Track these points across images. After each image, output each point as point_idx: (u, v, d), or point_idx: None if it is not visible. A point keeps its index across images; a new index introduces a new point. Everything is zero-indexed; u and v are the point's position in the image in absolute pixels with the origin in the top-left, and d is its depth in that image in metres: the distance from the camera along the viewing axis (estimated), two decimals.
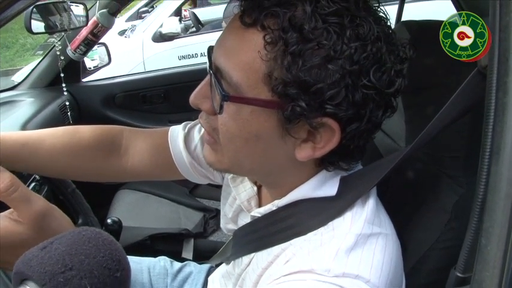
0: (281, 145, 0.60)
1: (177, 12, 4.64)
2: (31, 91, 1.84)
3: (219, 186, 0.89)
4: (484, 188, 0.52)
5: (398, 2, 1.31)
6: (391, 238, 0.63)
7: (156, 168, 0.92)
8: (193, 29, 4.76)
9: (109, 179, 0.97)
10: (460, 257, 0.59)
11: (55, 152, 0.86)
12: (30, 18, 1.52)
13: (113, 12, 1.65)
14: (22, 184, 0.59)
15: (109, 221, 1.50)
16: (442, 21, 0.55)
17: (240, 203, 0.78)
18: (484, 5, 0.55)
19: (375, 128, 0.61)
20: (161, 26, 4.20)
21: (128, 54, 4.03)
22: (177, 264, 1.14)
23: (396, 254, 0.63)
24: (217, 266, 1.05)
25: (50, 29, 1.59)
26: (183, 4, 4.55)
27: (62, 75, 1.67)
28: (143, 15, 5.45)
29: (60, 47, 1.72)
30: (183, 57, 4.14)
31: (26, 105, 1.71)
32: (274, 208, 0.69)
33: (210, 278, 1.01)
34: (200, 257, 1.51)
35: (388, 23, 0.59)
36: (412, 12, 1.18)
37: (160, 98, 2.14)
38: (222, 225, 0.89)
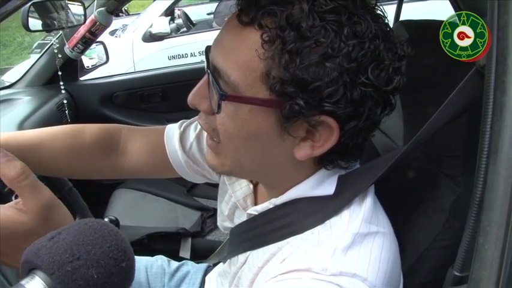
0: (280, 144, 0.60)
1: (170, 12, 4.62)
2: (28, 89, 1.84)
3: (217, 185, 0.89)
4: (481, 187, 0.52)
5: (396, 1, 1.31)
6: (388, 237, 0.63)
7: (153, 167, 0.92)
8: (185, 28, 4.76)
9: (107, 177, 0.97)
10: (457, 256, 0.59)
11: (55, 153, 0.86)
12: (28, 16, 1.52)
13: (111, 11, 1.65)
14: (32, 173, 0.59)
15: (106, 220, 1.50)
16: (440, 21, 0.55)
17: (235, 200, 0.78)
18: (482, 5, 0.55)
19: (374, 126, 0.61)
20: (151, 26, 4.20)
21: (119, 54, 4.02)
22: (175, 264, 1.14)
23: (394, 253, 0.63)
24: (215, 265, 1.05)
25: (48, 27, 1.59)
26: (174, 4, 4.52)
27: (60, 73, 1.67)
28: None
29: (57, 45, 1.72)
30: (173, 57, 4.15)
31: (23, 104, 1.71)
32: (271, 206, 0.69)
33: (207, 278, 1.01)
34: (198, 256, 1.51)
35: (386, 21, 0.59)
36: (411, 12, 1.18)
37: (158, 97, 2.13)
38: (218, 223, 0.89)
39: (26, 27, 1.54)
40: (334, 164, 0.63)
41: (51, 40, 1.77)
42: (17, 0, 0.65)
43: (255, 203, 0.76)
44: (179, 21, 4.79)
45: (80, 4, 1.63)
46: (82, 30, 1.68)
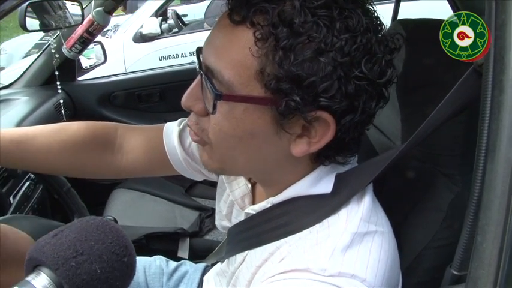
0: (276, 141, 0.60)
1: (163, 12, 4.60)
2: (26, 90, 1.84)
3: (215, 185, 0.89)
4: (479, 186, 0.52)
5: (394, 0, 1.32)
6: (387, 236, 0.63)
7: (151, 165, 0.91)
8: (177, 29, 4.74)
9: (103, 176, 0.97)
10: (455, 255, 0.59)
11: (49, 149, 0.86)
12: (25, 15, 1.52)
13: (108, 11, 1.65)
14: None
15: None
16: (438, 20, 0.55)
17: (233, 199, 0.78)
18: (479, 5, 0.55)
19: (369, 119, 0.61)
20: (142, 26, 4.18)
21: (110, 54, 4.01)
22: (173, 264, 1.14)
23: (393, 252, 0.62)
24: (213, 265, 1.05)
25: (45, 27, 1.59)
26: (165, 4, 4.50)
27: (57, 73, 1.67)
28: None
29: (55, 45, 1.71)
30: (164, 57, 4.14)
31: (20, 104, 1.71)
32: (268, 205, 0.68)
33: (205, 277, 1.01)
34: (196, 256, 1.50)
35: (376, 14, 0.59)
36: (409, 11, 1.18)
37: (156, 97, 2.13)
38: (216, 222, 0.89)
39: (24, 27, 1.54)
40: (331, 160, 0.63)
41: (48, 40, 1.77)
42: (14, 0, 0.65)
43: (253, 202, 0.76)
44: (172, 21, 4.78)
45: (78, 4, 1.63)
46: (80, 30, 1.67)
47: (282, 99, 0.55)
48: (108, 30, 4.63)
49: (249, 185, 0.76)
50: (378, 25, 0.58)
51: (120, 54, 4.10)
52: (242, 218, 0.75)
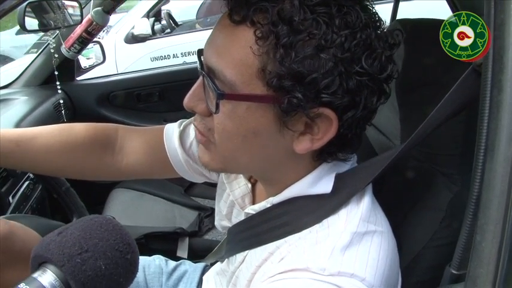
0: (279, 139, 0.60)
1: (157, 13, 4.58)
2: (25, 89, 1.84)
3: (214, 185, 0.89)
4: (478, 186, 0.52)
5: (393, 0, 1.32)
6: (386, 236, 0.63)
7: (151, 167, 0.91)
8: (169, 30, 4.73)
9: (103, 178, 0.97)
10: (454, 254, 0.59)
11: (48, 150, 0.86)
12: (24, 15, 1.52)
13: (108, 10, 1.64)
14: None
15: None
16: (437, 20, 0.56)
17: (233, 199, 0.78)
18: (478, 4, 0.55)
19: (371, 115, 0.61)
20: (133, 27, 4.17)
21: None
22: (172, 263, 1.14)
23: (392, 252, 0.63)
24: (212, 264, 1.05)
25: (44, 27, 1.58)
26: (156, 5, 4.49)
27: (56, 73, 1.67)
28: None
29: (54, 45, 1.71)
30: (156, 58, 4.14)
31: (19, 104, 1.71)
32: (268, 205, 0.69)
33: (204, 277, 1.01)
34: (195, 255, 1.50)
35: (374, 10, 0.59)
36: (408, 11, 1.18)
37: (155, 97, 2.13)
38: (216, 222, 0.89)
39: (23, 27, 1.54)
40: (334, 157, 0.64)
41: (47, 40, 1.77)
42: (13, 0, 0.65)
43: (253, 202, 0.76)
44: (165, 22, 4.78)
45: (77, 4, 1.63)
46: (79, 30, 1.67)
47: (284, 96, 0.56)
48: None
49: (249, 185, 0.77)
50: (377, 21, 0.58)
51: (112, 55, 4.09)
52: (242, 217, 0.75)
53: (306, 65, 0.54)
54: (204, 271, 1.10)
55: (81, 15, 1.64)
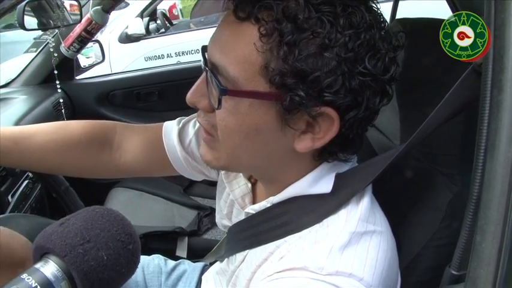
0: (280, 137, 0.60)
1: (153, 12, 4.57)
2: (24, 88, 1.84)
3: (213, 184, 0.89)
4: (478, 186, 0.52)
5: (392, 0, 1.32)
6: (385, 236, 0.63)
7: (150, 164, 0.91)
8: (163, 29, 4.72)
9: (102, 175, 0.97)
10: (454, 255, 0.59)
11: (46, 148, 0.86)
12: (23, 14, 1.51)
13: (107, 10, 1.64)
14: None
15: None
16: (437, 20, 0.55)
17: (233, 199, 0.78)
18: (478, 5, 0.55)
19: (373, 116, 0.61)
20: (127, 27, 4.17)
21: None
22: (171, 263, 1.14)
23: (391, 252, 0.63)
24: (211, 264, 1.05)
25: (43, 26, 1.58)
26: (150, 4, 4.48)
27: (56, 72, 1.66)
28: None
29: (53, 44, 1.71)
30: (149, 58, 4.14)
31: (19, 103, 1.71)
32: (268, 205, 0.69)
33: (203, 276, 1.00)
34: (194, 255, 1.50)
35: (379, 11, 0.59)
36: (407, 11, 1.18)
37: (155, 96, 2.13)
38: (217, 220, 0.89)
39: (22, 26, 1.53)
40: (334, 157, 0.64)
41: (46, 39, 1.76)
42: None
43: (253, 202, 0.76)
44: (159, 21, 4.77)
45: (76, 3, 1.63)
46: (78, 29, 1.67)
47: (287, 94, 0.56)
48: None
49: (249, 185, 0.76)
50: (381, 22, 0.58)
51: (106, 54, 4.08)
52: (242, 217, 0.75)
53: (309, 64, 0.54)
54: (203, 271, 1.10)
55: (81, 14, 1.64)
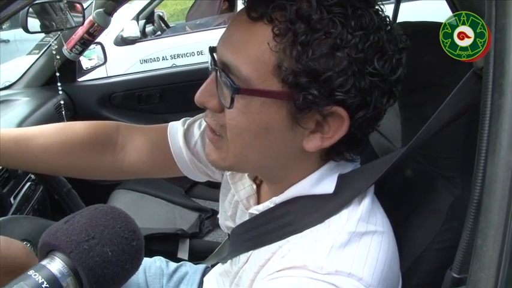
0: (290, 137, 0.61)
1: (150, 15, 4.56)
2: (26, 90, 1.84)
3: (215, 186, 0.89)
4: (479, 189, 0.52)
5: (394, 2, 1.31)
6: (387, 236, 0.63)
7: (154, 165, 0.91)
8: (160, 32, 4.70)
9: (105, 177, 0.97)
10: (455, 258, 0.59)
11: (48, 149, 0.86)
12: (27, 17, 1.52)
13: (109, 12, 1.65)
14: None
15: None
16: (437, 23, 0.56)
17: (238, 200, 0.78)
18: (478, 5, 0.55)
19: (380, 116, 0.63)
20: (122, 30, 4.15)
21: None
22: (173, 265, 1.14)
23: (392, 253, 0.63)
24: (213, 266, 1.05)
25: (46, 28, 1.59)
26: (146, 7, 4.48)
27: (58, 74, 1.67)
28: None
29: (56, 47, 1.71)
30: (145, 61, 4.14)
31: (21, 105, 1.71)
32: (271, 205, 0.69)
33: (205, 278, 1.01)
34: (196, 257, 1.50)
35: (385, 14, 0.60)
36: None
37: (156, 98, 2.14)
38: (220, 221, 0.89)
39: (25, 28, 1.54)
40: (341, 157, 0.64)
41: (49, 41, 1.77)
42: (19, 3, 0.65)
43: (258, 203, 0.76)
44: (156, 24, 4.76)
45: (79, 5, 1.63)
46: (80, 31, 1.68)
47: (300, 93, 0.57)
48: None
49: (254, 186, 0.77)
50: (388, 25, 0.60)
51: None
52: (246, 218, 0.75)
53: (322, 63, 0.55)
54: (204, 273, 1.11)
55: (83, 16, 1.64)
